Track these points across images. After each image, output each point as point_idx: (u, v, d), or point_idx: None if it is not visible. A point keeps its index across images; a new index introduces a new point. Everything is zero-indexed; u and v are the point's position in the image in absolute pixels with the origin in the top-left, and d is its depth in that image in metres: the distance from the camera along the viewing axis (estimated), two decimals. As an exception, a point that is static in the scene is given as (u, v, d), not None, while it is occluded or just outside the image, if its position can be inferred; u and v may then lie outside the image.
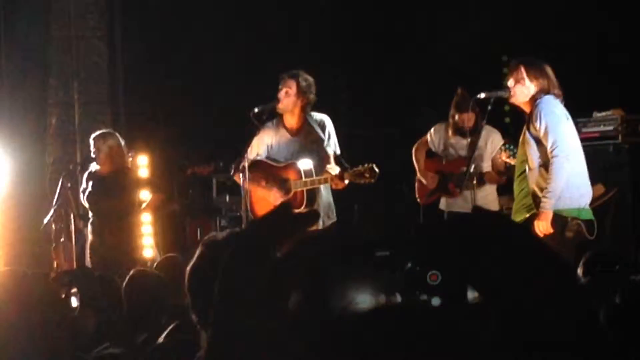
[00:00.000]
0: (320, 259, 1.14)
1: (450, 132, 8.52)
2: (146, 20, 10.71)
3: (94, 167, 8.67)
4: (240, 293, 1.18)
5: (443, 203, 8.61)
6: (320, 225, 7.33)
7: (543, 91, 6.53)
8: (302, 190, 7.40)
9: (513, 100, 6.66)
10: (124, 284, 5.10)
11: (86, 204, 8.66)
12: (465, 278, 1.10)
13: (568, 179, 6.44)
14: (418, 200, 8.73)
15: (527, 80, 6.55)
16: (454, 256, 1.04)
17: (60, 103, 10.64)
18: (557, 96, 6.56)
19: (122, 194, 8.60)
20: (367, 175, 7.11)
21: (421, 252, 1.05)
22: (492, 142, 8.46)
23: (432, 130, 8.63)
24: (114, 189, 8.54)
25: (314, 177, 7.37)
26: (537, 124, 6.46)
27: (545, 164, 6.49)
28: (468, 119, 8.31)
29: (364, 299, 1.13)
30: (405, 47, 10.28)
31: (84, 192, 8.66)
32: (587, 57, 9.41)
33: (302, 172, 7.42)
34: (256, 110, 7.41)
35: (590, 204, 6.66)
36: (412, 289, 1.17)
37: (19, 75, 10.33)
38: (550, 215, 6.41)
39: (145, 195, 9.05)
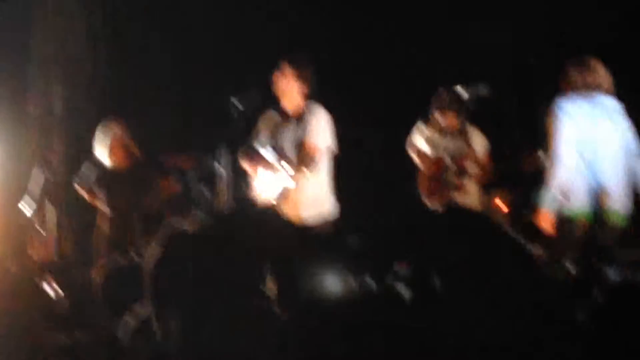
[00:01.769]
0: (288, 245, 1.16)
1: (431, 132, 8.53)
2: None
3: (102, 165, 8.13)
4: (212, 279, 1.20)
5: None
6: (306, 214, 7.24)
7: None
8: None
9: None
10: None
11: (105, 207, 8.00)
12: (433, 268, 1.13)
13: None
14: (423, 196, 8.65)
15: None
16: (425, 247, 1.06)
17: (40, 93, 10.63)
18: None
19: (148, 187, 8.12)
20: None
21: (395, 242, 1.08)
22: (474, 142, 8.49)
23: (414, 129, 8.62)
24: (138, 184, 8.07)
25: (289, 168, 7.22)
26: None
27: None
28: (450, 117, 8.35)
29: (332, 281, 1.16)
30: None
31: (93, 195, 8.10)
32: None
33: (285, 162, 7.27)
34: (248, 95, 7.34)
35: None
36: (381, 274, 1.21)
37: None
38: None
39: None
